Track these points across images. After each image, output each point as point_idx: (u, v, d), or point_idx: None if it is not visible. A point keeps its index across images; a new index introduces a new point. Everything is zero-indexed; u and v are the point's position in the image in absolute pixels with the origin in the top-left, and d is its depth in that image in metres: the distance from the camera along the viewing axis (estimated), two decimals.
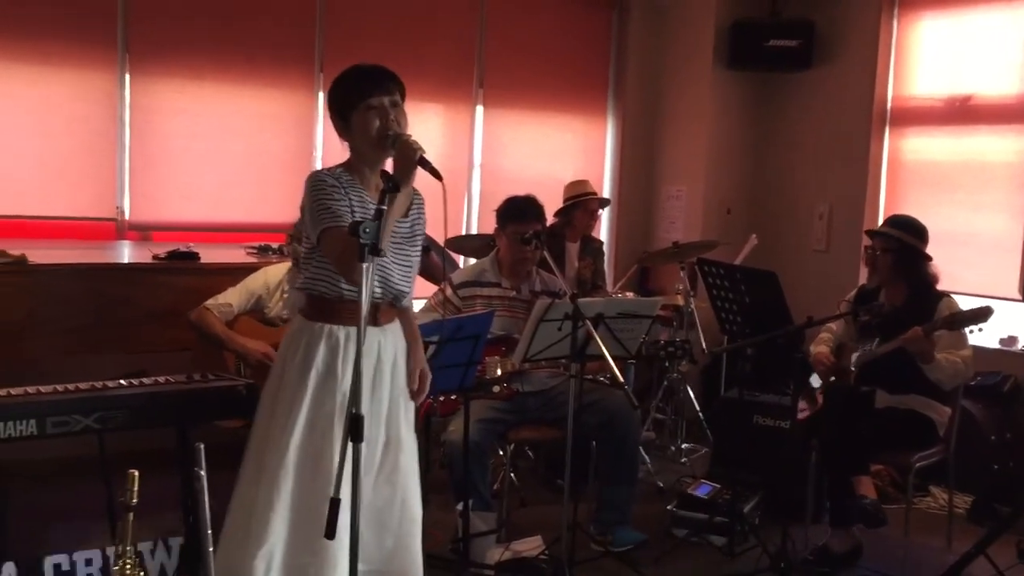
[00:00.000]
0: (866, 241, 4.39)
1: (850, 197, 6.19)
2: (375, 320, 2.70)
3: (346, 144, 2.78)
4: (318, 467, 2.62)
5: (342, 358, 2.66)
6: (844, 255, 6.15)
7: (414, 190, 2.76)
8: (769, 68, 6.45)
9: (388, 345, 2.75)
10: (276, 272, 4.08)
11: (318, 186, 2.67)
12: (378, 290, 2.68)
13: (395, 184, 2.54)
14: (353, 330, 2.63)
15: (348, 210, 2.64)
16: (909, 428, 4.12)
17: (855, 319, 4.32)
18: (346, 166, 2.76)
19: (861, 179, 6.12)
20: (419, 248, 2.84)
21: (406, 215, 2.77)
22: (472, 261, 5.27)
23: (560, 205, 5.44)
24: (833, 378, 4.32)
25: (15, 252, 3.86)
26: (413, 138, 2.61)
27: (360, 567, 2.43)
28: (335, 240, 2.56)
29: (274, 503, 2.62)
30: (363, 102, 2.66)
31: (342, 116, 2.72)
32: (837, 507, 4.13)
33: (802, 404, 4.20)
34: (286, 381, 2.70)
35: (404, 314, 2.88)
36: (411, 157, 2.54)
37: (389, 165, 2.66)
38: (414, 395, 2.87)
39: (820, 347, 4.42)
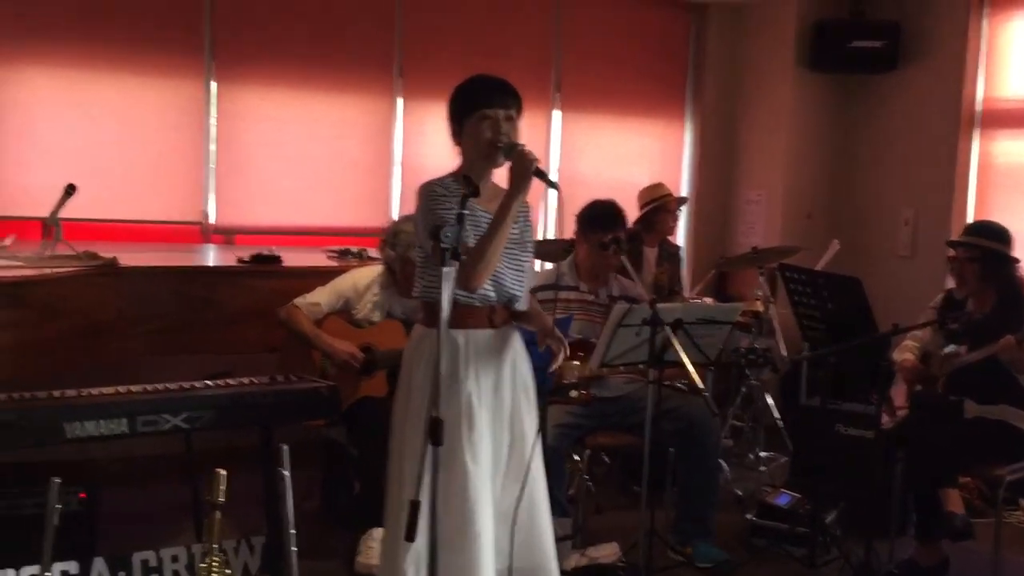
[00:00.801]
0: (949, 251, 4.27)
1: (937, 202, 6.03)
2: (492, 323, 2.79)
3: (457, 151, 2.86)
4: (451, 467, 2.67)
5: (463, 361, 2.74)
6: (930, 261, 5.99)
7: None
8: (852, 70, 6.32)
9: (507, 347, 2.84)
10: (365, 275, 4.14)
11: (430, 196, 2.74)
12: (492, 293, 2.76)
13: (475, 189, 2.60)
14: (472, 332, 2.75)
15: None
16: (999, 439, 3.98)
17: (942, 327, 4.20)
18: (454, 176, 2.81)
19: (949, 183, 5.96)
20: (530, 253, 2.91)
21: (515, 220, 2.82)
22: (548, 266, 5.26)
23: (636, 209, 5.40)
24: (919, 387, 4.21)
25: (106, 255, 3.97)
26: (527, 149, 2.67)
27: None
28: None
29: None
30: (478, 111, 2.74)
31: (458, 121, 2.80)
32: (923, 520, 4.02)
33: None
34: (415, 387, 2.77)
35: (529, 311, 2.94)
36: (528, 167, 2.63)
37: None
38: (554, 354, 2.92)
39: (905, 354, 4.31)
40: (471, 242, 2.67)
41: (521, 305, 2.89)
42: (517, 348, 2.89)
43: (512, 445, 2.84)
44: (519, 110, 2.81)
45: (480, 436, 2.73)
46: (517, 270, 2.83)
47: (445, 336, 2.45)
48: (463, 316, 2.73)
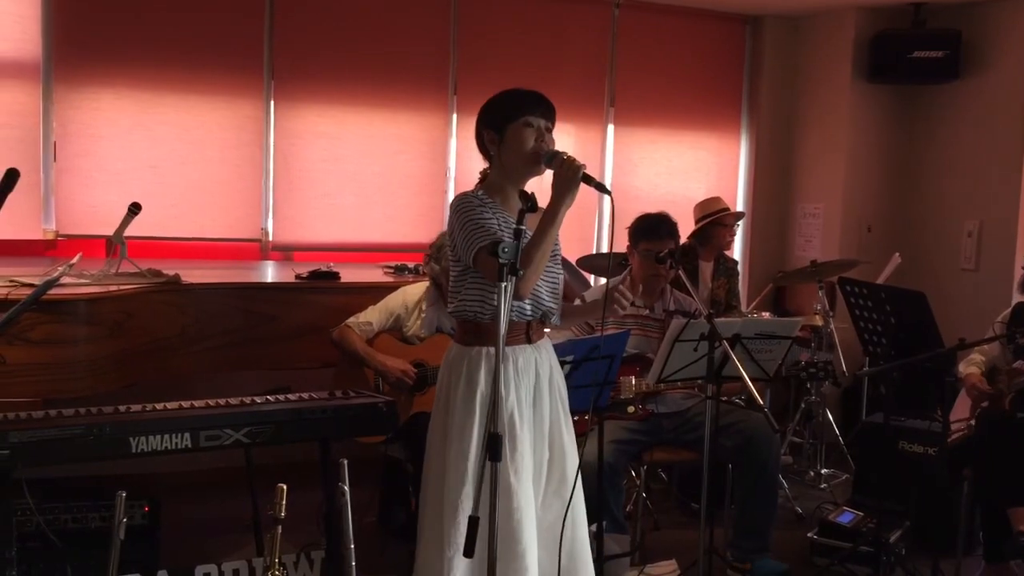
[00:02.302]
0: (1021, 262, 4.19)
1: (1002, 214, 5.90)
2: (528, 338, 2.78)
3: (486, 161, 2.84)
4: (495, 484, 2.65)
5: (503, 378, 2.70)
6: (995, 274, 5.87)
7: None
8: (913, 80, 6.22)
9: (544, 361, 2.82)
10: (414, 292, 4.16)
11: (466, 207, 2.72)
12: (528, 308, 2.74)
13: (533, 204, 2.59)
14: (511, 349, 2.72)
15: (497, 227, 2.68)
16: None
17: (1011, 341, 4.10)
18: (485, 188, 2.80)
19: (1014, 195, 5.83)
20: (560, 266, 2.89)
21: None
22: (603, 280, 5.24)
23: (691, 223, 5.36)
24: (986, 403, 4.11)
25: (169, 272, 4.05)
26: (571, 156, 2.67)
27: None
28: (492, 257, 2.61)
29: (462, 529, 2.61)
30: (522, 117, 2.73)
31: (497, 128, 2.77)
32: (992, 541, 3.92)
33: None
34: (453, 408, 2.75)
35: (566, 313, 2.94)
36: (576, 173, 2.61)
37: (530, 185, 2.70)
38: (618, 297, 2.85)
39: (971, 368, 4.22)
40: None
41: (556, 320, 2.88)
42: (553, 363, 2.87)
43: (552, 461, 2.82)
44: (554, 123, 2.80)
45: (522, 453, 2.72)
46: (552, 282, 2.82)
47: (501, 351, 2.42)
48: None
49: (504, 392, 2.69)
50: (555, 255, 2.83)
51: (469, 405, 2.71)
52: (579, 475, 2.83)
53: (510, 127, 2.74)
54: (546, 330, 2.93)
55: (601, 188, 2.64)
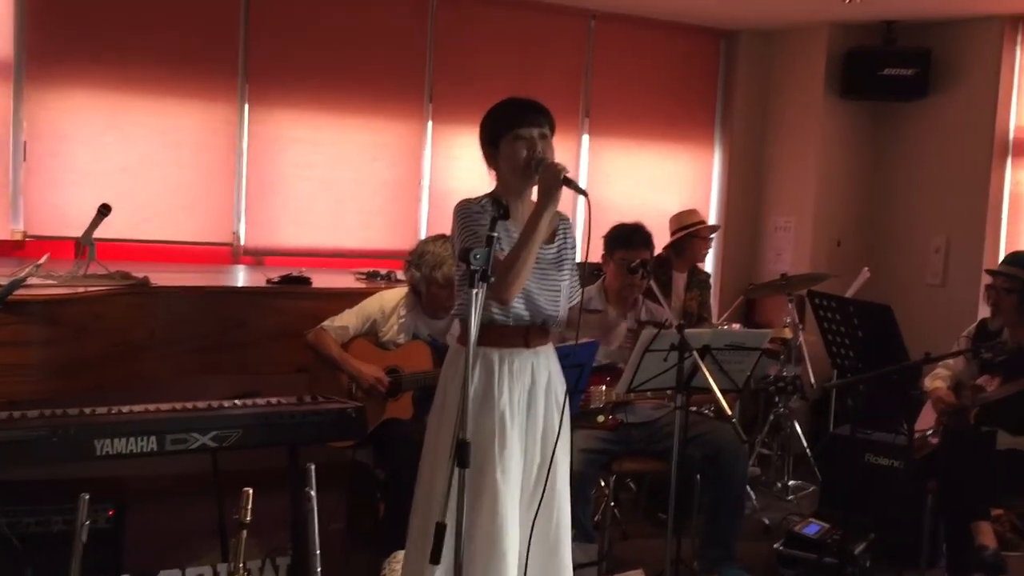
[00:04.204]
0: (987, 279, 4.23)
1: (969, 230, 5.99)
2: (527, 343, 2.80)
3: (492, 174, 2.88)
4: (481, 484, 2.68)
5: (497, 379, 2.75)
6: (961, 290, 5.95)
7: (560, 214, 2.87)
8: (883, 97, 6.30)
9: (541, 367, 2.84)
10: (392, 296, 4.14)
11: (464, 213, 2.75)
12: (526, 314, 2.77)
13: (505, 211, 2.60)
14: (507, 352, 2.77)
15: (496, 237, 2.69)
16: None
17: (975, 356, 4.15)
18: (491, 197, 2.81)
19: (980, 211, 5.92)
20: (567, 272, 2.91)
21: (551, 240, 2.86)
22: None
23: (666, 235, 5.39)
24: (950, 417, 4.15)
25: (138, 274, 4.01)
26: (555, 161, 2.71)
27: None
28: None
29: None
30: (512, 131, 2.76)
31: (492, 143, 2.81)
32: (955, 553, 3.96)
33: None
34: (447, 406, 2.77)
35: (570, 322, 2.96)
36: (556, 177, 2.65)
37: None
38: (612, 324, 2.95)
39: (937, 383, 4.26)
40: None
41: (558, 325, 2.89)
42: (553, 369, 2.89)
43: (542, 466, 2.83)
44: (552, 127, 2.83)
45: (511, 455, 2.73)
46: (552, 290, 2.83)
47: (473, 356, 2.44)
48: (498, 335, 2.75)
49: (496, 393, 2.73)
50: (562, 261, 2.87)
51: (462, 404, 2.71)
52: (565, 479, 2.85)
53: (503, 141, 2.78)
54: None
55: (580, 191, 2.67)
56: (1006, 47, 5.82)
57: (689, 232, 5.32)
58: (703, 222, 5.42)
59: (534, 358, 2.82)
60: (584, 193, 2.66)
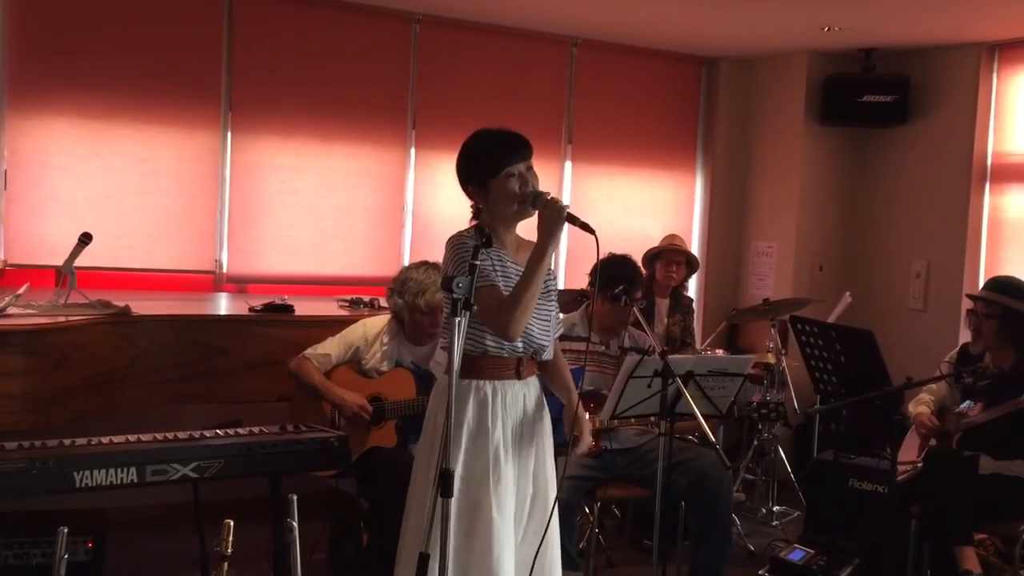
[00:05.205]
0: (968, 303, 4.26)
1: (948, 255, 6.03)
2: (518, 374, 2.80)
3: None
4: (477, 518, 2.67)
5: (491, 412, 2.74)
6: (942, 314, 5.98)
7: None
8: (863, 123, 6.37)
9: (531, 397, 2.84)
10: (375, 324, 4.13)
11: (460, 247, 2.71)
12: (519, 345, 2.76)
13: (488, 240, 2.61)
14: (500, 384, 2.76)
15: (491, 268, 2.70)
16: (1015, 496, 3.94)
17: (957, 380, 4.17)
18: (478, 229, 2.80)
19: (960, 237, 5.97)
20: (555, 303, 2.91)
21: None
22: (560, 316, 5.24)
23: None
24: (934, 441, 4.17)
25: (119, 303, 3.99)
26: (555, 196, 2.70)
27: None
28: (487, 297, 2.64)
29: (438, 559, 2.59)
30: (503, 170, 2.73)
31: (480, 184, 2.77)
32: None
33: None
34: (439, 440, 2.72)
35: (555, 363, 2.96)
36: (560, 214, 2.63)
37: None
38: (577, 441, 2.92)
39: (920, 407, 4.28)
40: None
41: (548, 355, 2.89)
42: (539, 399, 2.89)
43: (535, 498, 2.83)
44: (531, 153, 2.82)
45: (506, 488, 2.73)
46: (544, 319, 2.83)
47: (457, 384, 2.44)
48: (492, 367, 2.75)
49: (490, 427, 2.72)
50: (548, 291, 2.85)
51: (455, 438, 2.70)
52: (555, 511, 2.83)
53: (492, 182, 2.75)
54: None
55: (585, 227, 2.66)
56: (983, 74, 5.90)
57: (651, 254, 5.34)
58: (671, 247, 5.41)
59: (525, 389, 2.82)
60: (591, 230, 2.64)
